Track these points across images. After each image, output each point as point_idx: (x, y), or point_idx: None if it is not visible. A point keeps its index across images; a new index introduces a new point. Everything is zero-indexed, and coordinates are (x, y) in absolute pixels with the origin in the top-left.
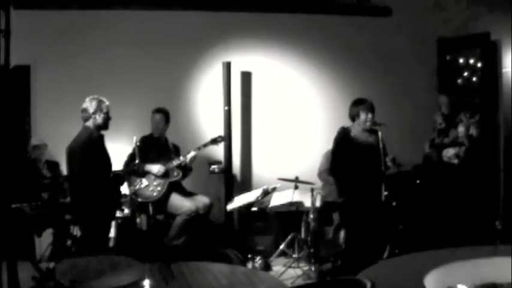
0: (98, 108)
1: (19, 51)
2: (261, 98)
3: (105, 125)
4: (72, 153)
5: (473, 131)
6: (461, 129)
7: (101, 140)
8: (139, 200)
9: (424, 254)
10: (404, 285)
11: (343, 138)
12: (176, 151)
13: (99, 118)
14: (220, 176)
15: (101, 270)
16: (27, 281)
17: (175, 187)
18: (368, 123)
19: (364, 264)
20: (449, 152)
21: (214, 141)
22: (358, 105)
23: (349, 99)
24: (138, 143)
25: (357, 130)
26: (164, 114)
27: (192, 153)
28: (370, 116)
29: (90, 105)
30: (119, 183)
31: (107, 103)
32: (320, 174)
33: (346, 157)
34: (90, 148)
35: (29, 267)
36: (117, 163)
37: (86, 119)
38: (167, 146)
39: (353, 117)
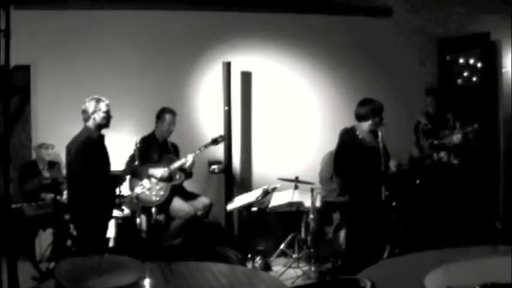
0: (96, 108)
1: (19, 51)
2: (261, 98)
3: (105, 124)
4: (69, 151)
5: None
6: (457, 136)
7: (100, 140)
8: (141, 204)
9: (424, 254)
10: (404, 285)
11: (350, 140)
12: (175, 151)
13: (98, 117)
14: (220, 176)
15: (101, 270)
16: (27, 281)
17: (177, 189)
18: (379, 126)
19: (364, 264)
20: (441, 154)
21: (215, 141)
22: (367, 105)
23: (349, 99)
24: (138, 145)
25: (362, 131)
26: (174, 115)
27: (191, 158)
28: (381, 117)
29: (88, 105)
30: (117, 183)
31: (106, 102)
32: (323, 183)
33: (354, 159)
34: (87, 148)
35: (29, 267)
36: (118, 163)
37: (86, 120)
38: (167, 147)
39: (361, 117)
